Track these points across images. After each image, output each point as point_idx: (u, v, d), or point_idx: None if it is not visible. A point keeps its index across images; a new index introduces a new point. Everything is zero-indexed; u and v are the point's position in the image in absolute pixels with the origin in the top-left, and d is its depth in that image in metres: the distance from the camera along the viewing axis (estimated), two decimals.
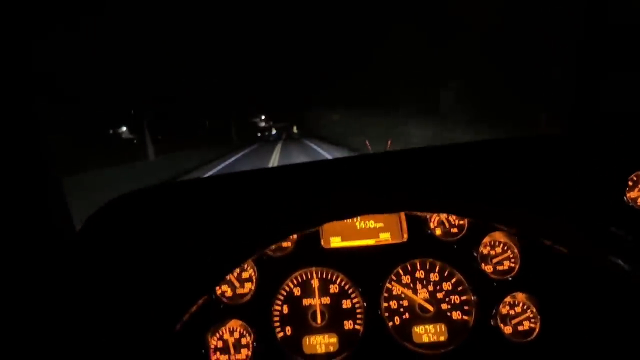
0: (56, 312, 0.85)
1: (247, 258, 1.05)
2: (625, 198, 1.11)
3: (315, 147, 24.76)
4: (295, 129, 75.90)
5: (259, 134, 74.81)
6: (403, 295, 1.12)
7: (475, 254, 1.13)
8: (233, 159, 20.56)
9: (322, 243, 1.13)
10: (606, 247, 0.88)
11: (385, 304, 1.10)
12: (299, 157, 17.16)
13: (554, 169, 1.11)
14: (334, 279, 1.12)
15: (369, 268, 1.12)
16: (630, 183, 1.12)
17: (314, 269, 1.12)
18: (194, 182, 1.21)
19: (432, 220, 1.15)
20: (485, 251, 1.14)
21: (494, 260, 1.14)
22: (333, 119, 29.03)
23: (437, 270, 1.13)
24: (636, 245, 0.86)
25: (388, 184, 1.02)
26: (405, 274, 1.13)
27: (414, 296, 1.11)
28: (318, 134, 35.05)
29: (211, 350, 1.05)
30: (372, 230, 1.15)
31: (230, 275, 1.10)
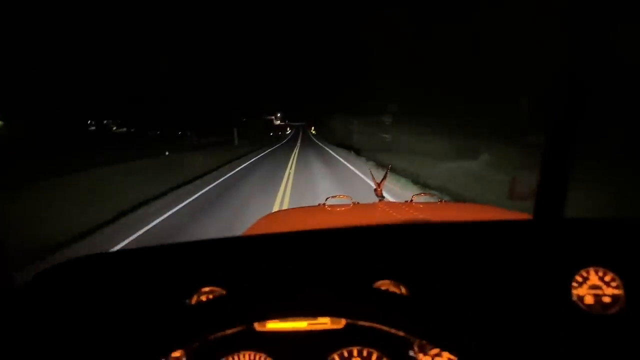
0: None
1: (182, 347, 1.04)
2: (571, 296, 1.06)
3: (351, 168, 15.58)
4: (313, 130, 72.80)
5: (271, 133, 72.73)
6: None
7: (414, 345, 1.10)
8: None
9: (257, 325, 1.11)
10: None
11: None
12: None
13: (498, 261, 1.08)
14: None
15: (303, 353, 1.10)
16: (579, 279, 1.08)
17: (246, 353, 1.10)
18: (145, 252, 1.21)
19: None
20: (425, 341, 1.11)
21: (433, 352, 1.10)
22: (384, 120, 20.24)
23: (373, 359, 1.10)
24: None
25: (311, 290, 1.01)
26: None
27: None
28: (348, 144, 22.47)
29: None
30: None
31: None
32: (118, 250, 1.18)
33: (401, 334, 1.08)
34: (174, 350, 1.00)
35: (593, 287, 1.07)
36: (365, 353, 1.10)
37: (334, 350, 1.10)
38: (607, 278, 1.07)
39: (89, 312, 1.01)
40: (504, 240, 1.13)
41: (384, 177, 2.72)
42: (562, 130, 1.19)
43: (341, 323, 1.11)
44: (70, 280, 1.07)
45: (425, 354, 1.10)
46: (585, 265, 1.07)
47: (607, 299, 1.07)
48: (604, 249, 1.08)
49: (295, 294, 0.96)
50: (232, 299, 0.97)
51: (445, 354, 1.11)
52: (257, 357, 1.09)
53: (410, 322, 0.95)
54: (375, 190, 2.53)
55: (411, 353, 1.09)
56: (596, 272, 1.07)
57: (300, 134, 67.04)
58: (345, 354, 1.10)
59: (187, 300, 1.07)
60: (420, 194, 2.24)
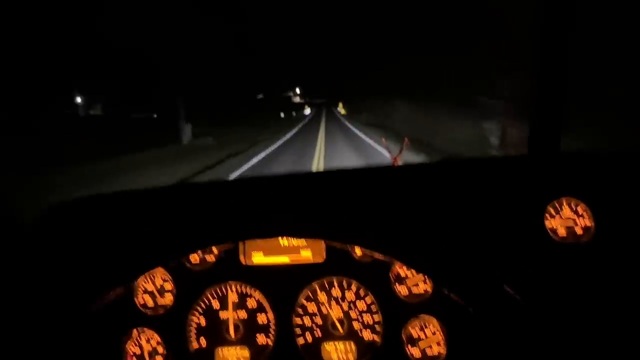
0: None
1: (162, 263, 1.11)
2: (544, 228, 1.09)
3: None
4: (341, 108, 55.19)
5: (282, 114, 55.28)
6: (316, 313, 1.15)
7: (390, 275, 1.15)
8: None
9: (244, 259, 1.17)
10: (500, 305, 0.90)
11: (298, 320, 1.14)
12: None
13: (478, 195, 1.11)
14: (250, 293, 1.16)
15: (285, 284, 1.16)
16: (552, 211, 1.10)
17: (232, 283, 1.16)
18: (131, 194, 1.27)
19: None
20: (402, 273, 1.15)
21: (409, 283, 1.15)
22: None
23: (352, 290, 1.15)
24: (526, 307, 0.87)
25: (307, 212, 1.06)
26: (320, 291, 1.16)
27: (327, 313, 1.14)
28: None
29: (128, 357, 1.12)
30: (294, 248, 1.18)
31: (152, 287, 1.16)
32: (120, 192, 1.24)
33: (379, 257, 1.13)
34: (160, 263, 1.07)
35: (566, 219, 1.10)
36: (344, 284, 1.16)
37: (314, 281, 1.15)
38: (579, 209, 1.10)
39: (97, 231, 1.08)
40: (481, 176, 1.15)
41: (401, 151, 2.75)
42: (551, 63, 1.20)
43: (322, 256, 1.16)
44: (76, 216, 1.13)
45: (401, 284, 1.15)
46: (558, 195, 1.10)
47: (579, 230, 1.10)
48: (575, 180, 1.10)
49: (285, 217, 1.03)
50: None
51: (422, 285, 1.15)
52: (244, 287, 1.16)
53: (388, 244, 1.00)
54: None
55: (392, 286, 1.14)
56: (568, 204, 1.10)
57: (324, 115, 49.62)
58: (326, 285, 1.16)
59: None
60: None
